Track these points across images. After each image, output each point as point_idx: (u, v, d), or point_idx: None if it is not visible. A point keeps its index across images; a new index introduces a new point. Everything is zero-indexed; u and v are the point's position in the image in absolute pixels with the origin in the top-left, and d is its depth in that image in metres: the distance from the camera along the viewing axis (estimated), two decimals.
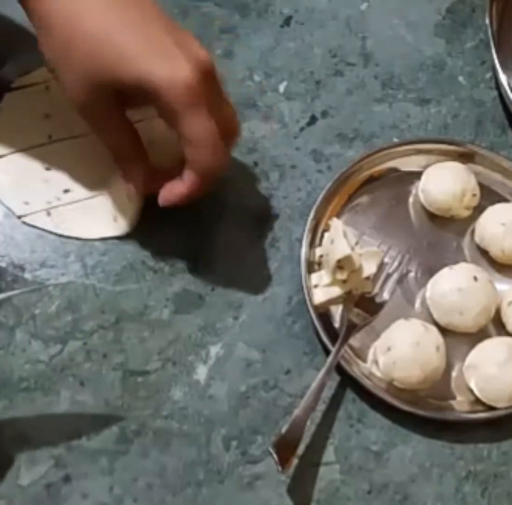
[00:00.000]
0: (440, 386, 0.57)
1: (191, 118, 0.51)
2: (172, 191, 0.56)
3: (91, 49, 0.51)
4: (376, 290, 0.60)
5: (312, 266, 0.60)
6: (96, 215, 0.61)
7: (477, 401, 0.57)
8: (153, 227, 0.62)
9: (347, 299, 0.59)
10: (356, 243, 0.60)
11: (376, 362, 0.57)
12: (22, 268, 0.60)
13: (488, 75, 0.69)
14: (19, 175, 0.63)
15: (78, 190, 0.62)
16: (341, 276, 0.58)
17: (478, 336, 0.58)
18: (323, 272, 0.59)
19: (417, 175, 0.64)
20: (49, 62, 0.54)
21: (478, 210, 0.62)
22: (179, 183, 0.55)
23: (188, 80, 0.50)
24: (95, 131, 0.56)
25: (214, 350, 0.58)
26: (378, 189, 0.64)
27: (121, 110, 0.55)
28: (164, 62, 0.50)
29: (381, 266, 0.60)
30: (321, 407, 0.57)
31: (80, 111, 0.54)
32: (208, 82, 0.52)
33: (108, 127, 0.55)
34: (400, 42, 0.70)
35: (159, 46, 0.51)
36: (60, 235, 0.60)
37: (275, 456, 0.52)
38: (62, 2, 0.52)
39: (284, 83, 0.68)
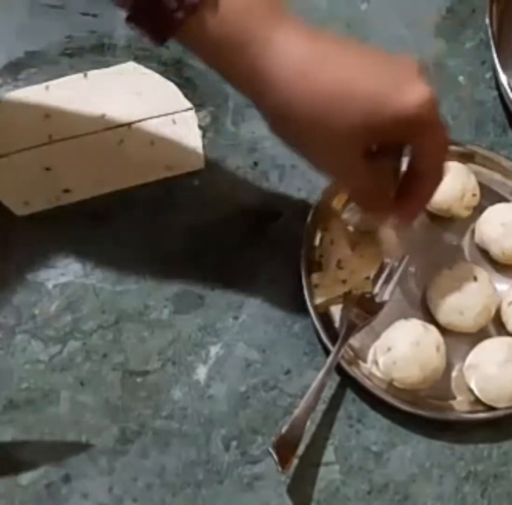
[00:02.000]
0: (440, 386, 0.57)
1: (437, 131, 0.51)
2: (413, 213, 0.56)
3: (339, 100, 0.48)
4: (376, 290, 0.60)
5: (312, 266, 0.60)
6: None
7: (477, 401, 0.57)
8: (153, 227, 0.62)
9: (347, 299, 0.59)
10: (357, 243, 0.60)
11: (376, 362, 0.57)
12: (22, 268, 0.60)
13: (488, 75, 0.69)
14: (19, 175, 0.63)
15: (78, 190, 0.62)
16: (341, 275, 0.58)
17: (478, 336, 0.58)
18: (323, 272, 0.59)
19: None
20: (291, 139, 0.51)
21: (478, 210, 0.62)
22: (415, 201, 0.54)
23: (432, 93, 0.50)
24: (349, 184, 0.54)
25: (214, 350, 0.58)
26: None
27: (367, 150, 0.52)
28: (408, 87, 0.49)
29: (381, 266, 0.60)
30: (321, 407, 0.57)
31: (334, 169, 0.52)
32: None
33: (360, 173, 0.52)
34: (400, 42, 0.70)
35: (397, 73, 0.50)
36: None
37: (275, 456, 0.52)
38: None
39: None
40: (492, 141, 0.66)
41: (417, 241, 0.62)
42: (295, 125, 0.49)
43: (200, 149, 0.63)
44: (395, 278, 0.60)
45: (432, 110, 0.50)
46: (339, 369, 0.57)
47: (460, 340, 0.58)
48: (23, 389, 0.56)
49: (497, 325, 0.59)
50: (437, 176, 0.53)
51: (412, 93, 0.49)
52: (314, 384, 0.55)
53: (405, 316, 0.58)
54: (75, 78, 0.65)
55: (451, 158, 0.63)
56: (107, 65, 0.66)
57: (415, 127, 0.50)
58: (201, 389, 0.57)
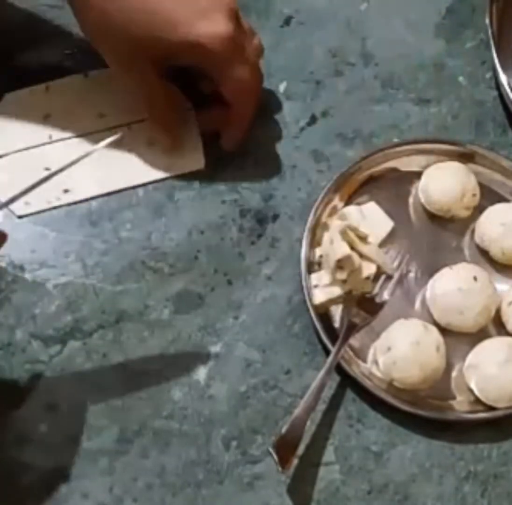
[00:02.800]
0: (440, 386, 0.57)
1: (236, 65, 0.58)
2: (232, 138, 0.63)
3: (136, 18, 0.56)
4: (376, 290, 0.60)
5: (312, 266, 0.60)
6: None
7: (477, 401, 0.57)
8: (153, 227, 0.62)
9: (347, 299, 0.59)
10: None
11: (376, 362, 0.57)
12: (22, 268, 0.60)
13: (488, 75, 0.69)
14: (19, 175, 0.62)
15: (78, 191, 0.62)
16: (341, 275, 0.58)
17: (478, 336, 0.58)
18: (323, 272, 0.59)
19: (417, 175, 0.64)
20: (88, 34, 0.58)
21: (478, 210, 0.62)
22: (233, 129, 0.62)
23: (229, 32, 0.57)
24: (139, 90, 0.60)
25: (214, 350, 0.58)
26: (378, 189, 0.63)
27: (161, 70, 0.59)
28: (206, 22, 0.56)
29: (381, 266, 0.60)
30: (321, 407, 0.57)
31: (124, 76, 0.59)
32: (239, 23, 0.59)
33: (151, 84, 0.59)
34: (400, 42, 0.70)
35: (196, 5, 0.57)
36: None
37: (275, 456, 0.52)
38: None
39: (284, 83, 0.68)
40: (492, 141, 0.66)
41: (417, 241, 0.62)
42: (97, 22, 0.56)
43: (200, 149, 0.63)
44: (395, 278, 0.60)
45: (226, 47, 0.57)
46: (339, 369, 0.57)
47: (460, 340, 0.58)
48: (23, 389, 0.56)
49: (497, 325, 0.59)
50: (242, 110, 0.61)
51: (206, 26, 0.56)
52: (314, 384, 0.55)
53: (405, 316, 0.58)
54: (75, 78, 0.65)
55: (451, 158, 0.64)
56: (107, 65, 0.65)
57: (207, 58, 0.57)
58: (201, 389, 0.57)
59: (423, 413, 0.56)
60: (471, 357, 0.57)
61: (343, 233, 0.57)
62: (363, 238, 0.59)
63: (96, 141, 0.63)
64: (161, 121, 0.62)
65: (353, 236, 0.58)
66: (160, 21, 0.56)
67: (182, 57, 0.58)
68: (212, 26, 0.56)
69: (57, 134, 0.63)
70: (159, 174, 0.63)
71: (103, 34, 0.57)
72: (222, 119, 0.62)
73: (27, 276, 0.60)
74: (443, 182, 0.62)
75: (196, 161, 0.63)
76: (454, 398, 0.57)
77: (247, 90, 0.60)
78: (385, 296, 0.60)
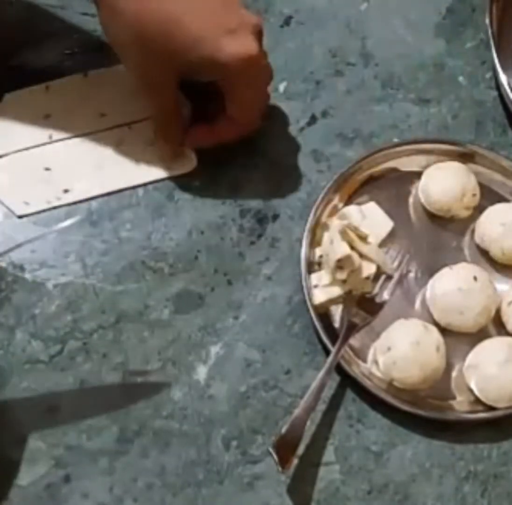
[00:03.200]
0: (440, 386, 0.57)
1: (252, 86, 0.59)
2: (205, 138, 0.62)
3: (163, 31, 0.55)
4: (376, 290, 0.60)
5: (312, 266, 0.60)
6: None
7: (477, 401, 0.57)
8: (153, 227, 0.62)
9: (347, 299, 0.59)
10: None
11: (376, 362, 0.57)
12: (22, 268, 0.60)
13: (488, 75, 0.69)
14: (19, 175, 0.63)
15: (78, 190, 0.62)
16: (341, 275, 0.58)
17: (478, 336, 0.58)
18: (323, 272, 0.59)
19: (417, 175, 0.64)
20: (114, 43, 0.57)
21: (478, 210, 0.62)
22: (212, 132, 0.62)
23: (253, 52, 0.56)
24: (152, 101, 0.61)
25: (214, 350, 0.58)
26: (378, 189, 0.63)
27: (179, 82, 0.59)
28: (233, 41, 0.55)
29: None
30: (321, 407, 0.57)
31: (144, 87, 0.60)
32: (261, 45, 0.58)
33: (167, 97, 0.60)
34: (400, 42, 0.70)
35: (224, 23, 0.56)
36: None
37: (275, 456, 0.52)
38: None
39: (284, 83, 0.68)
40: (492, 141, 0.66)
41: (417, 241, 0.62)
42: (121, 26, 0.55)
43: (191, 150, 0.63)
44: (395, 278, 0.60)
45: (246, 67, 0.56)
46: (339, 369, 0.57)
47: (460, 340, 0.58)
48: (23, 389, 0.56)
49: (497, 325, 0.59)
50: (242, 125, 0.61)
51: (233, 45, 0.55)
52: (314, 384, 0.55)
53: (405, 316, 0.58)
54: (75, 78, 0.65)
55: (451, 158, 0.64)
56: (107, 65, 0.66)
57: (228, 76, 0.57)
58: (201, 389, 0.57)
59: (423, 413, 0.56)
60: (471, 357, 0.57)
61: (343, 233, 0.57)
62: (363, 238, 0.59)
63: (96, 141, 0.63)
64: (166, 133, 0.62)
65: (353, 236, 0.58)
66: (188, 36, 0.55)
67: (204, 73, 0.58)
68: (238, 46, 0.55)
69: (57, 134, 0.63)
70: (159, 174, 0.63)
71: (131, 43, 0.56)
72: (223, 132, 0.62)
73: (27, 276, 0.60)
74: (443, 182, 0.62)
75: (189, 162, 0.63)
76: (454, 398, 0.57)
77: (254, 111, 0.61)
78: (385, 296, 0.60)
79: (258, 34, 0.57)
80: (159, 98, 0.60)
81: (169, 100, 0.60)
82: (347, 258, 0.57)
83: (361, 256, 0.58)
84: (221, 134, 0.61)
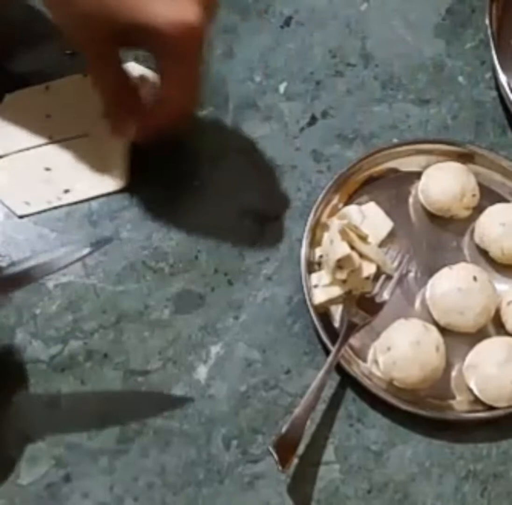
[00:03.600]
0: (440, 386, 0.57)
1: (189, 63, 0.51)
2: (140, 128, 0.58)
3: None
4: (376, 290, 0.60)
5: (312, 266, 0.60)
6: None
7: (477, 401, 0.57)
8: (153, 227, 0.62)
9: (347, 299, 0.59)
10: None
11: (376, 361, 0.57)
12: (22, 268, 0.60)
13: (488, 75, 0.69)
14: (19, 175, 0.63)
15: (78, 190, 0.62)
16: (341, 275, 0.58)
17: (478, 336, 0.58)
18: (323, 272, 0.59)
19: (417, 175, 0.64)
20: (47, 4, 0.53)
21: (478, 210, 0.62)
22: (146, 118, 0.57)
23: (193, 21, 0.48)
24: (94, 71, 0.56)
25: (214, 350, 0.58)
26: (378, 189, 0.64)
27: (118, 49, 0.54)
28: (169, 4, 0.48)
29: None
30: (321, 406, 0.57)
31: (83, 50, 0.54)
32: (210, 16, 0.51)
33: (108, 67, 0.55)
34: (400, 42, 0.70)
35: None
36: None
37: (275, 455, 0.52)
38: None
39: (284, 83, 0.68)
40: (492, 141, 0.67)
41: (417, 241, 0.62)
42: None
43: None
44: (395, 278, 0.60)
45: (183, 38, 0.49)
46: (339, 369, 0.57)
47: (460, 340, 0.58)
48: (23, 389, 0.56)
49: (497, 325, 0.59)
50: (174, 104, 0.54)
51: (167, 10, 0.48)
52: (314, 384, 0.55)
53: (405, 316, 0.58)
54: (75, 78, 0.65)
55: (451, 159, 0.64)
56: None
57: (160, 45, 0.49)
58: (202, 389, 0.57)
59: (423, 412, 0.56)
60: (471, 357, 0.57)
61: (342, 232, 0.57)
62: (363, 238, 0.59)
63: (96, 141, 0.63)
64: (116, 115, 0.58)
65: (353, 236, 0.58)
66: None
67: (139, 42, 0.52)
68: (176, 11, 0.48)
69: (57, 134, 0.63)
70: None
71: (62, 6, 0.52)
72: (157, 116, 0.57)
73: (27, 275, 0.59)
74: (443, 183, 0.62)
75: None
76: (454, 397, 0.58)
77: (191, 90, 0.55)
78: (385, 296, 0.60)
79: (207, 3, 0.50)
80: (101, 71, 0.54)
81: (113, 73, 0.54)
82: (347, 257, 0.57)
83: (361, 255, 0.58)
84: (155, 119, 0.56)
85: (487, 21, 0.67)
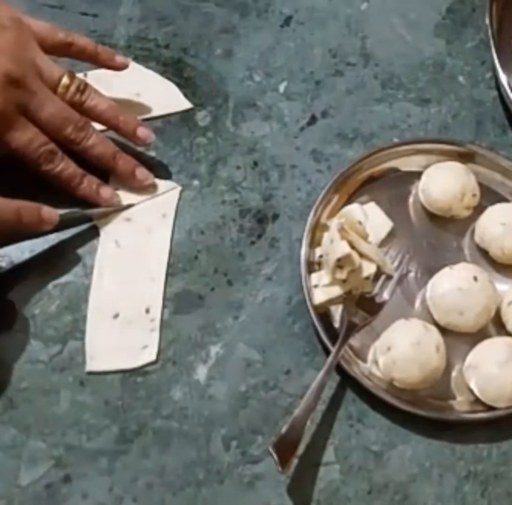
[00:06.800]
0: (440, 386, 0.57)
1: (8, 130, 0.57)
2: None
3: None
4: (376, 290, 0.60)
5: (312, 266, 0.60)
6: None
7: (477, 401, 0.57)
8: None
9: (347, 299, 0.59)
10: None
11: (376, 362, 0.57)
12: (22, 268, 0.60)
13: (488, 75, 0.69)
14: None
15: None
16: (341, 275, 0.58)
17: (478, 336, 0.58)
18: (323, 272, 0.59)
19: (417, 175, 0.64)
20: None
21: (478, 210, 0.62)
22: None
23: None
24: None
25: (214, 350, 0.58)
26: (378, 189, 0.64)
27: None
28: None
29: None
30: (321, 407, 0.57)
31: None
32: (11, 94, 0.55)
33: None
34: (400, 42, 0.70)
35: None
36: None
37: (275, 456, 0.52)
38: None
39: (284, 83, 0.68)
40: (492, 141, 0.66)
41: (417, 241, 0.62)
42: None
43: None
44: (395, 278, 0.60)
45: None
46: (339, 369, 0.57)
47: (460, 340, 0.58)
48: (23, 389, 0.56)
49: (497, 325, 0.59)
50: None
51: None
52: (314, 384, 0.55)
53: (405, 316, 0.58)
54: None
55: (451, 158, 0.64)
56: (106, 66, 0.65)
57: None
58: (201, 389, 0.57)
59: (423, 413, 0.56)
60: (471, 357, 0.57)
61: (342, 231, 0.57)
62: (363, 237, 0.59)
63: None
64: None
65: (353, 235, 0.58)
66: None
67: None
68: None
69: None
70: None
71: None
72: None
73: (27, 275, 0.59)
74: (443, 182, 0.62)
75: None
76: (454, 398, 0.57)
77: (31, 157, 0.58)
78: (385, 296, 0.60)
79: (8, 85, 0.55)
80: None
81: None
82: (347, 257, 0.57)
83: (361, 255, 0.58)
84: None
85: (487, 21, 0.68)
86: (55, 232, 0.59)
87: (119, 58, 0.63)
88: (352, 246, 0.57)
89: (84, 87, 0.60)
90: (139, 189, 0.62)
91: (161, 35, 0.69)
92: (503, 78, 0.66)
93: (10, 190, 0.56)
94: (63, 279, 0.60)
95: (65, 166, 0.59)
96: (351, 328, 0.58)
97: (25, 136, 0.57)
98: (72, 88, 0.59)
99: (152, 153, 0.64)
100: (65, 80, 0.59)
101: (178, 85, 0.67)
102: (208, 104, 0.66)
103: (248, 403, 0.57)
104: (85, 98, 0.60)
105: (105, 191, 0.61)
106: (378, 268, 0.59)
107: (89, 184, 0.60)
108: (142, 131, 0.61)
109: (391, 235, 0.62)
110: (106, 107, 0.60)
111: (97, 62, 0.62)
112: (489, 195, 0.63)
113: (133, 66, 0.66)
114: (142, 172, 0.61)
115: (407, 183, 0.64)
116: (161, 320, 0.59)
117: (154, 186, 0.62)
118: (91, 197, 0.60)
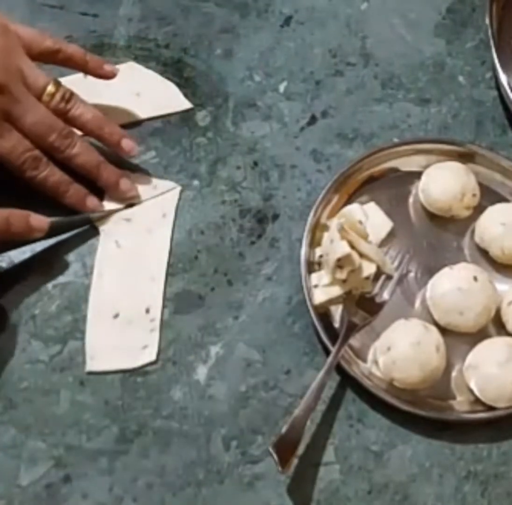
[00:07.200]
0: (440, 386, 0.57)
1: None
2: None
3: None
4: (376, 290, 0.60)
5: (312, 266, 0.60)
6: None
7: (477, 401, 0.57)
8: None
9: (347, 299, 0.59)
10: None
11: (376, 362, 0.57)
12: (22, 268, 0.60)
13: (488, 75, 0.69)
14: None
15: None
16: (341, 275, 0.58)
17: (478, 336, 0.58)
18: (323, 272, 0.59)
19: (417, 175, 0.64)
20: None
21: (478, 210, 0.62)
22: None
23: None
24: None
25: (214, 350, 0.58)
26: (378, 189, 0.64)
27: None
28: None
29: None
30: (321, 407, 0.57)
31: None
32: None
33: None
34: (400, 42, 0.70)
35: None
36: None
37: (275, 456, 0.52)
38: None
39: (284, 83, 0.68)
40: (492, 141, 0.66)
41: (417, 241, 0.62)
42: None
43: None
44: (395, 278, 0.60)
45: None
46: (339, 369, 0.57)
47: (460, 340, 0.58)
48: (23, 389, 0.56)
49: (497, 325, 0.59)
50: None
51: None
52: (314, 384, 0.55)
53: (405, 316, 0.58)
54: (75, 78, 0.65)
55: (451, 158, 0.64)
56: None
57: None
58: (201, 389, 0.57)
59: (423, 413, 0.56)
60: (471, 357, 0.57)
61: (342, 231, 0.57)
62: (364, 237, 0.59)
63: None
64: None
65: (353, 234, 0.58)
66: None
67: None
68: None
69: None
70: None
71: None
72: None
73: (27, 276, 0.59)
74: (443, 182, 0.62)
75: None
76: (454, 398, 0.57)
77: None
78: (385, 296, 0.60)
79: None
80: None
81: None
82: (347, 256, 0.57)
83: (361, 255, 0.58)
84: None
85: (487, 21, 0.68)
86: (53, 237, 0.59)
87: (108, 67, 0.63)
88: (352, 246, 0.57)
89: (69, 96, 0.59)
90: (125, 198, 0.62)
91: (161, 35, 0.69)
92: (503, 78, 0.66)
93: (5, 197, 0.56)
94: (63, 279, 0.60)
95: (50, 173, 0.59)
96: (351, 328, 0.58)
97: (9, 143, 0.57)
98: (57, 97, 0.59)
99: (152, 153, 0.64)
100: (50, 88, 0.59)
101: (178, 85, 0.67)
102: (208, 104, 0.66)
103: (248, 403, 0.57)
104: (70, 107, 0.59)
105: (91, 201, 0.61)
106: (378, 268, 0.59)
107: (76, 192, 0.60)
108: (127, 143, 0.61)
109: (391, 235, 0.62)
110: (91, 117, 0.60)
111: (85, 70, 0.62)
112: (489, 195, 0.63)
113: (133, 66, 0.67)
114: (125, 183, 0.61)
115: (407, 183, 0.64)
116: (161, 320, 0.59)
117: (154, 187, 0.62)
118: (78, 205, 0.60)
